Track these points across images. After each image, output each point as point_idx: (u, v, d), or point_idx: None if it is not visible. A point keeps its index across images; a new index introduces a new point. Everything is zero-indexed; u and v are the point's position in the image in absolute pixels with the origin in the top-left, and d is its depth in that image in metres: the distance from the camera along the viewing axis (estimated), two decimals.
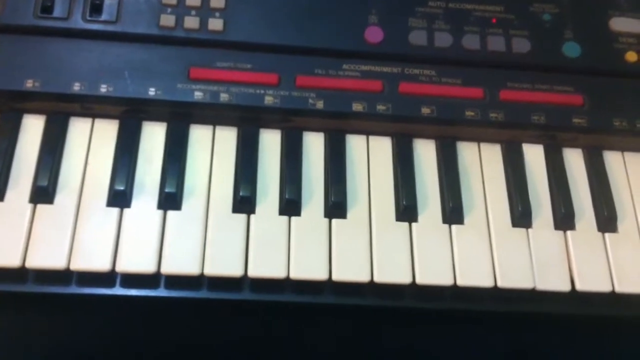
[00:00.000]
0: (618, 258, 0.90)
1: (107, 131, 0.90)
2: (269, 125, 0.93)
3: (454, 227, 0.89)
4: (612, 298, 0.89)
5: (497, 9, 0.98)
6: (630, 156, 0.97)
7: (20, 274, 0.83)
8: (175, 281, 0.85)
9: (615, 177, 0.95)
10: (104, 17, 0.92)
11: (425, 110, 0.92)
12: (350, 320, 0.91)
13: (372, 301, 0.87)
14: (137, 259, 0.83)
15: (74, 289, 0.84)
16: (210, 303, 0.86)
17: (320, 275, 0.84)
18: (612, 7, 1.00)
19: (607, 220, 0.92)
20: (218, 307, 0.88)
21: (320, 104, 0.91)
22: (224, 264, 0.84)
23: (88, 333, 0.89)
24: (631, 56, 0.97)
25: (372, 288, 0.86)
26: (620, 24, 0.99)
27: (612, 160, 0.97)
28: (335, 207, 0.88)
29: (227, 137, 0.92)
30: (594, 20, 0.99)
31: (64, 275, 0.83)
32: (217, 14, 0.93)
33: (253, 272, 0.84)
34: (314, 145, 0.93)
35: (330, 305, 0.87)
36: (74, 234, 0.83)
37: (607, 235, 0.91)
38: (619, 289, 0.88)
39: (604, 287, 0.88)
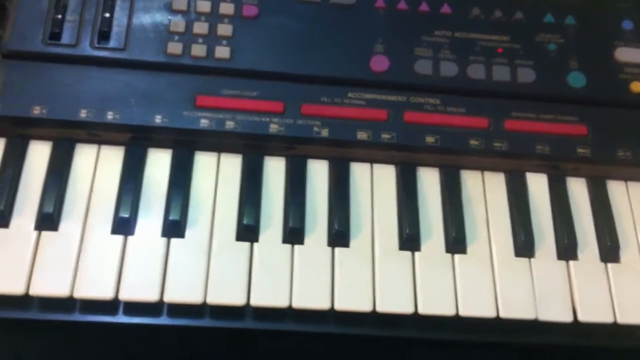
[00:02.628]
0: (620, 289, 0.90)
1: (112, 158, 0.91)
2: (274, 153, 0.93)
3: (456, 256, 0.89)
4: (615, 329, 0.89)
5: (502, 39, 0.98)
6: (633, 186, 0.97)
7: (24, 300, 0.83)
8: (178, 309, 0.85)
9: (618, 208, 0.95)
10: (112, 44, 0.92)
11: (430, 140, 0.92)
12: (352, 347, 0.91)
13: (375, 330, 0.87)
14: (140, 287, 0.83)
15: (77, 317, 0.84)
16: (213, 331, 0.86)
17: (323, 304, 0.85)
18: (617, 38, 1.00)
19: (609, 251, 0.92)
20: (219, 334, 0.88)
21: (325, 132, 0.91)
22: (227, 292, 0.84)
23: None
24: (636, 86, 0.97)
25: (374, 317, 0.86)
26: (625, 54, 0.99)
27: (616, 190, 0.97)
28: (339, 236, 0.88)
29: (232, 165, 0.92)
30: (599, 51, 0.99)
31: (68, 303, 0.83)
32: (224, 42, 0.93)
33: (256, 301, 0.84)
34: (318, 173, 0.93)
35: (333, 334, 0.87)
36: (78, 262, 0.84)
37: (609, 265, 0.91)
38: (621, 320, 0.88)
39: (606, 318, 0.88)
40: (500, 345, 0.90)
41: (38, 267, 0.83)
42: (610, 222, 0.94)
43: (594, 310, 0.88)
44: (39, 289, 0.82)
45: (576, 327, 0.88)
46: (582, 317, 0.88)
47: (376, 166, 0.94)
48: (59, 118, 0.88)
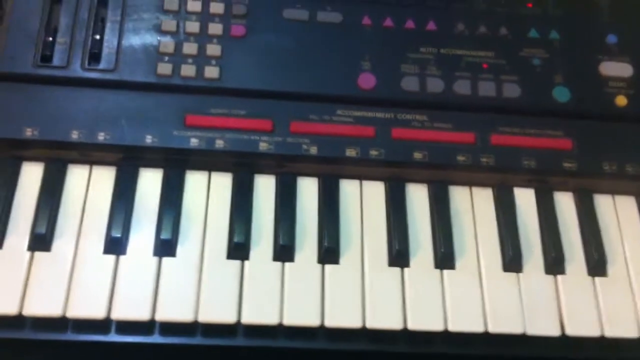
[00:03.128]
0: (608, 302, 0.90)
1: (104, 178, 0.91)
2: (264, 170, 0.94)
3: (445, 272, 0.90)
4: (602, 342, 0.89)
5: (487, 55, 0.99)
6: (620, 200, 0.98)
7: (18, 320, 0.84)
8: (170, 328, 0.86)
9: (605, 221, 0.96)
10: (102, 65, 0.93)
11: (418, 155, 0.93)
12: None
13: (365, 346, 0.88)
14: (132, 306, 0.84)
15: (70, 336, 0.84)
16: (205, 349, 0.86)
17: (313, 321, 0.85)
18: (601, 52, 1.01)
19: (597, 265, 0.92)
20: (211, 352, 0.89)
21: (314, 150, 0.92)
22: (218, 310, 0.85)
23: None
24: (621, 100, 0.98)
25: (364, 333, 0.87)
26: (610, 68, 1.00)
27: (603, 204, 0.97)
28: (328, 253, 0.89)
29: (222, 183, 0.93)
30: (584, 65, 1.00)
31: (61, 322, 0.84)
32: (213, 62, 0.94)
33: (247, 319, 0.85)
34: (307, 190, 0.94)
35: (324, 350, 0.87)
36: (71, 282, 0.84)
37: (597, 279, 0.92)
38: (608, 333, 0.89)
39: (593, 331, 0.89)
40: (488, 358, 0.90)
41: (31, 287, 0.84)
42: (598, 236, 0.94)
43: (582, 324, 0.89)
44: (32, 309, 0.83)
45: (564, 341, 0.89)
46: (570, 331, 0.89)
47: (365, 183, 0.95)
48: (50, 139, 0.89)
